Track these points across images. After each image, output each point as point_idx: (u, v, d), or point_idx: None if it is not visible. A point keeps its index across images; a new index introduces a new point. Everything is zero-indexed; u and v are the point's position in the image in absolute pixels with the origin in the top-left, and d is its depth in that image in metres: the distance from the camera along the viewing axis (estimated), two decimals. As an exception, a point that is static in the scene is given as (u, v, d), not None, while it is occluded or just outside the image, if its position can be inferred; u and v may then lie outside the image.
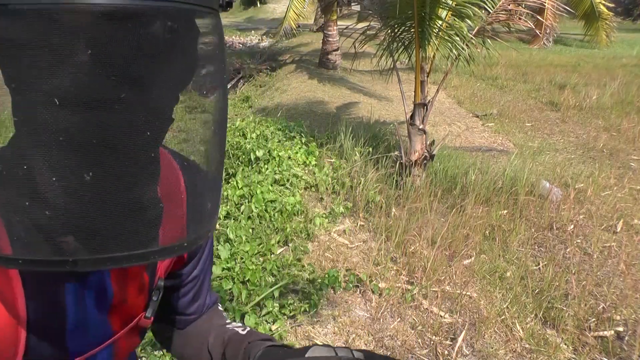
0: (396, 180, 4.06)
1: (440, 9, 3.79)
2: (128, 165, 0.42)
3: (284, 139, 4.74)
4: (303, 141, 4.75)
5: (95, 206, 0.40)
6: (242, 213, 3.34)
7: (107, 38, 0.38)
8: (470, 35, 3.88)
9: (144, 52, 0.40)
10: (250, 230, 3.19)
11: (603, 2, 9.48)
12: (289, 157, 4.26)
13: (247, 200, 3.46)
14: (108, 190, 0.40)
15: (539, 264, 3.14)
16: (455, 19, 3.89)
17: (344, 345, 0.55)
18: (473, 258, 3.13)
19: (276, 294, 2.57)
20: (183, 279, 0.71)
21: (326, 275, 2.75)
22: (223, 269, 2.72)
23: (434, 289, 2.81)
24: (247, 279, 2.62)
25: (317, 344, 0.57)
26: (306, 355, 0.55)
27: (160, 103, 0.44)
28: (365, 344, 2.40)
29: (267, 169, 3.98)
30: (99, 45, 0.37)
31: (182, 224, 0.48)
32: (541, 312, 2.64)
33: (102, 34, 0.37)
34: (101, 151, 0.39)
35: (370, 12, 4.33)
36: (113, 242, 0.41)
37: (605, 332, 2.49)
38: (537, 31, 7.72)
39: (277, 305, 2.52)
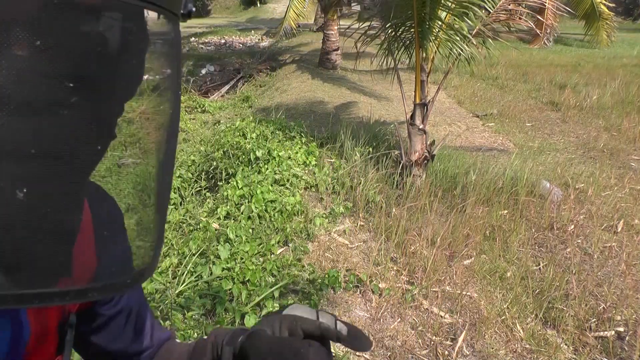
0: (396, 181, 4.06)
1: (440, 10, 3.79)
2: (72, 182, 0.36)
3: (284, 139, 4.74)
4: (303, 141, 4.75)
5: (26, 230, 0.33)
6: (242, 213, 3.34)
7: (48, 29, 0.32)
8: (472, 34, 3.88)
9: (92, 47, 0.35)
10: (250, 230, 3.19)
11: (604, 1, 9.47)
12: (289, 157, 4.25)
13: (247, 200, 3.46)
14: (46, 211, 0.34)
15: (539, 264, 3.14)
16: (455, 18, 3.88)
17: (330, 312, 0.51)
18: (473, 258, 3.13)
19: (276, 294, 2.57)
20: (107, 316, 0.63)
21: (326, 276, 2.74)
22: (223, 269, 2.72)
23: (434, 289, 2.80)
24: (247, 279, 2.62)
25: (297, 304, 0.53)
26: (284, 313, 0.51)
27: (108, 112, 0.39)
28: (366, 344, 2.40)
29: (267, 169, 3.98)
30: (38, 37, 0.32)
31: (123, 258, 0.43)
32: (542, 313, 2.64)
33: (42, 23, 0.32)
34: (41, 164, 0.33)
35: (371, 11, 4.33)
36: (45, 274, 0.35)
37: (606, 333, 2.49)
38: (537, 31, 7.71)
39: (277, 305, 2.52)
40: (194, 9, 0.44)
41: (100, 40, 0.35)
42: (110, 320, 0.64)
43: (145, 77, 0.43)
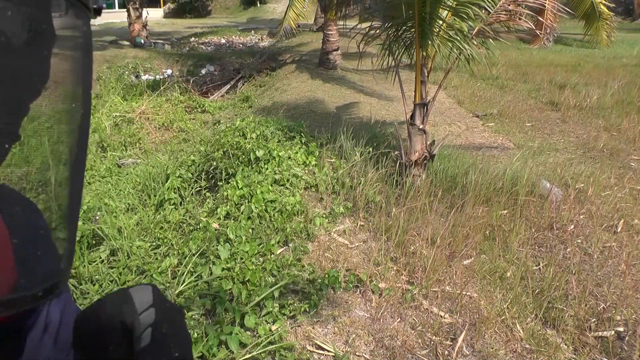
0: (396, 180, 4.06)
1: (440, 9, 3.79)
2: None
3: (284, 139, 4.74)
4: (303, 141, 4.75)
5: None
6: (242, 213, 3.34)
7: None
8: (472, 33, 3.88)
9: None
10: (250, 230, 3.19)
11: (604, 1, 9.47)
12: (289, 157, 4.25)
13: (247, 200, 3.46)
14: None
15: (539, 264, 3.14)
16: (456, 19, 3.88)
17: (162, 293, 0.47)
18: (473, 258, 3.13)
19: (276, 294, 2.57)
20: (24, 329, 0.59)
21: (326, 276, 2.74)
22: (223, 269, 2.72)
23: (434, 289, 2.80)
24: (247, 279, 2.62)
25: (143, 284, 0.50)
26: (129, 290, 0.48)
27: (11, 110, 0.37)
28: (366, 344, 2.40)
29: (267, 169, 3.98)
30: None
31: (32, 268, 0.40)
32: (541, 312, 2.64)
33: None
34: None
35: (372, 10, 4.33)
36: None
37: (606, 333, 2.49)
38: (537, 31, 7.72)
39: (277, 305, 2.52)
40: (104, 6, 0.43)
41: (2, 33, 0.33)
42: (26, 334, 0.59)
43: (54, 74, 0.40)
